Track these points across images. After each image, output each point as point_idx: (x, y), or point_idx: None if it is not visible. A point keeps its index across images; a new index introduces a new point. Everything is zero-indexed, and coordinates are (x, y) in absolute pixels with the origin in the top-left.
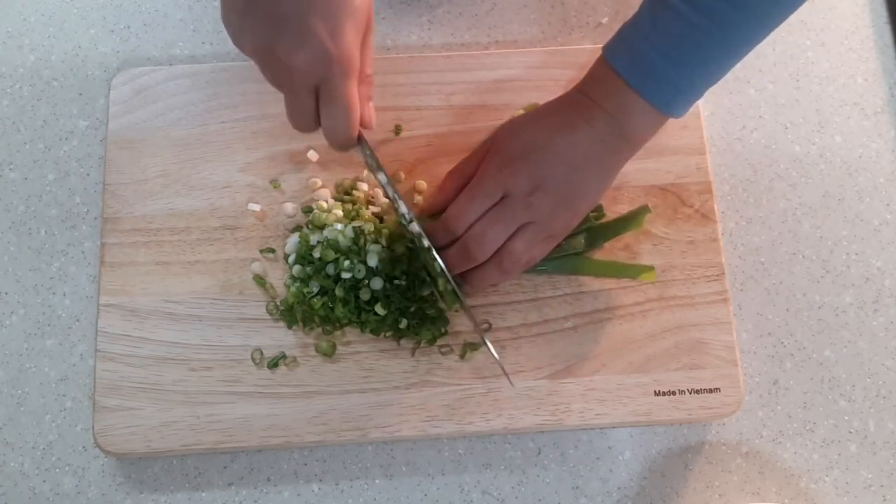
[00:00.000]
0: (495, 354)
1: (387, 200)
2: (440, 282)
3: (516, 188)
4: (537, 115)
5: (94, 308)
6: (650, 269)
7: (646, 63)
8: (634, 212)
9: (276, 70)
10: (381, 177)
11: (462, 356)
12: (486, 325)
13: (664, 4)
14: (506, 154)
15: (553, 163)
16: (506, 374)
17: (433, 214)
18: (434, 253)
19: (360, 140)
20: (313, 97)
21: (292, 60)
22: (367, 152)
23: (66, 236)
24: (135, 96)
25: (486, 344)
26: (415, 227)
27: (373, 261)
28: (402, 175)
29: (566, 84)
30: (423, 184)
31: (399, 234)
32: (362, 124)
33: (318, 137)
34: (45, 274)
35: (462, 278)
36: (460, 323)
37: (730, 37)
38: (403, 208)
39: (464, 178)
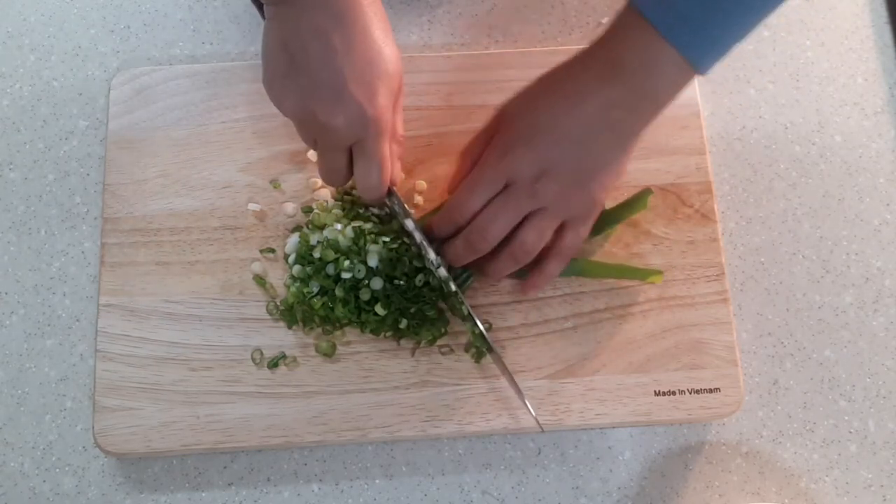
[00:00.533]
0: (529, 408)
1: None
2: (468, 325)
3: (519, 175)
4: (546, 85)
5: (94, 308)
6: (658, 273)
7: (678, 9)
8: (637, 195)
9: (314, 130)
10: (409, 223)
11: (476, 361)
12: (501, 355)
13: None
14: (508, 137)
15: (559, 145)
16: (534, 418)
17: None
18: (461, 297)
19: (390, 192)
20: (347, 155)
21: (331, 122)
22: (396, 203)
23: (66, 236)
24: (135, 96)
25: (520, 397)
26: (442, 272)
27: (373, 261)
28: (423, 182)
29: None
30: (423, 184)
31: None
32: (391, 180)
33: None
34: (45, 274)
35: (478, 269)
36: (460, 323)
37: None
38: (431, 255)
39: (477, 157)
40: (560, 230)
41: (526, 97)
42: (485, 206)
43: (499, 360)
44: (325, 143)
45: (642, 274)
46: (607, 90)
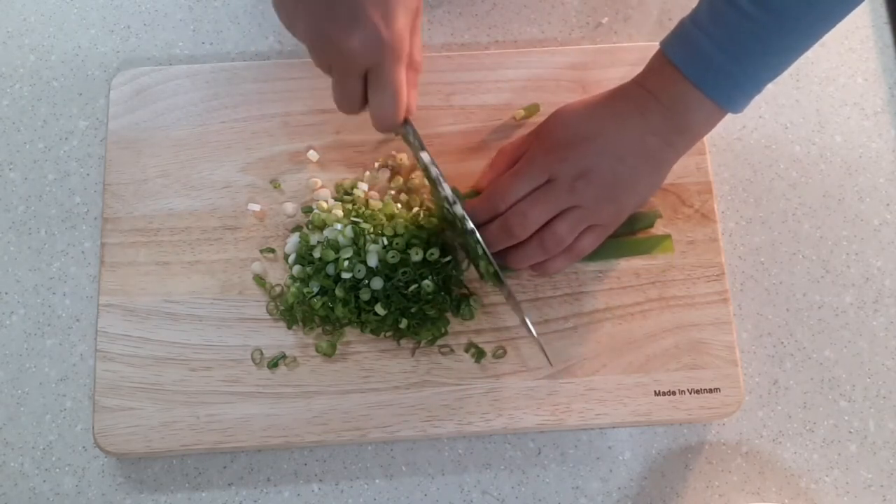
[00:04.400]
0: (534, 332)
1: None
2: (482, 264)
3: (561, 173)
4: (591, 105)
5: (94, 308)
6: (666, 238)
7: (705, 57)
8: (657, 237)
9: (327, 54)
10: (425, 156)
11: (476, 361)
12: (521, 315)
13: None
14: (554, 140)
15: (601, 153)
16: (546, 356)
17: (478, 192)
18: (477, 235)
19: (406, 122)
20: (362, 81)
21: (346, 44)
22: (411, 133)
23: (66, 236)
24: (135, 96)
25: (527, 326)
26: (458, 209)
27: (373, 261)
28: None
29: (567, 84)
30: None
31: (435, 213)
32: (407, 110)
33: (318, 137)
34: (45, 274)
35: (503, 258)
36: (462, 324)
37: (791, 31)
38: (447, 190)
39: (514, 158)
40: (581, 232)
41: (571, 110)
42: (524, 196)
43: (512, 300)
44: (339, 67)
45: (649, 245)
46: (644, 120)
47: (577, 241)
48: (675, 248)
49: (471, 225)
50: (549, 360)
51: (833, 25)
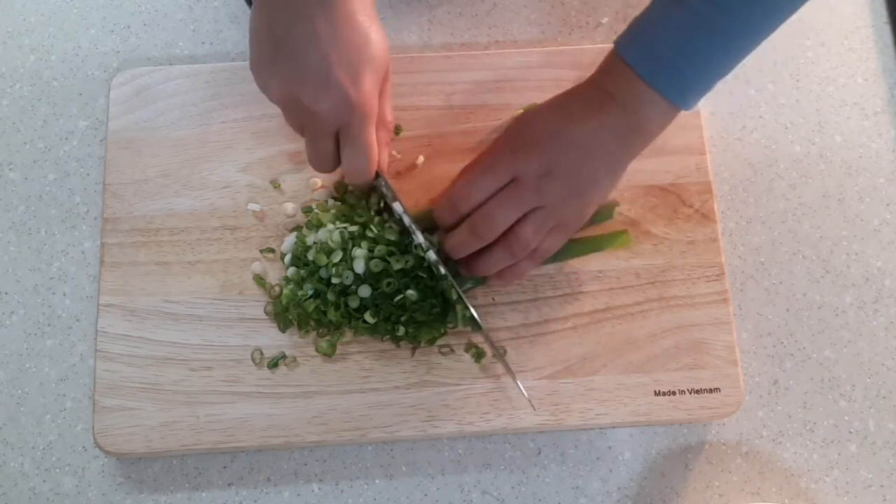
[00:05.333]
0: (521, 388)
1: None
2: (458, 308)
3: (527, 171)
4: (551, 106)
5: (94, 308)
6: (623, 233)
7: (657, 55)
8: (614, 234)
9: (299, 115)
10: (398, 207)
11: (476, 361)
12: (503, 351)
13: None
14: (518, 139)
15: (565, 149)
16: (528, 400)
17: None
18: (451, 280)
19: (378, 177)
20: (334, 141)
21: (316, 107)
22: (384, 185)
23: (66, 236)
24: (135, 96)
25: (508, 371)
26: (431, 255)
27: (359, 266)
28: (422, 158)
29: (566, 84)
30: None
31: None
32: (378, 165)
33: None
34: (45, 274)
35: (468, 266)
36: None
37: (741, 28)
38: (420, 238)
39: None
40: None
41: (532, 112)
42: (489, 198)
43: (489, 340)
44: (311, 128)
45: (606, 241)
46: (602, 117)
47: (541, 243)
48: (672, 248)
49: (444, 270)
50: (530, 402)
51: (782, 22)
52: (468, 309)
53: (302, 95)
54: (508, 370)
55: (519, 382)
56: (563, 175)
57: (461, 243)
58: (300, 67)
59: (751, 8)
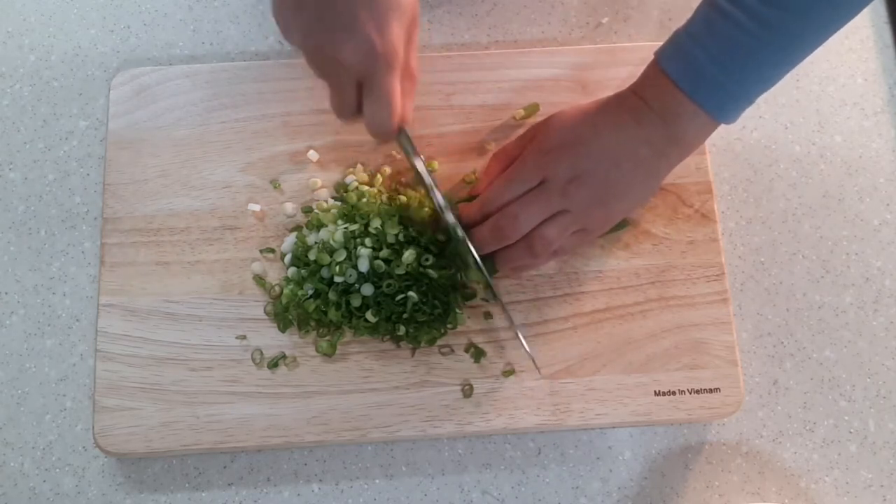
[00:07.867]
0: (527, 347)
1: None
2: (472, 272)
3: (555, 175)
4: (586, 110)
5: (94, 308)
6: (621, 220)
7: (698, 69)
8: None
9: (322, 63)
10: (419, 164)
11: (476, 361)
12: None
13: (719, 10)
14: (549, 142)
15: (595, 157)
16: (536, 366)
17: (472, 197)
18: (469, 244)
19: (400, 131)
20: (357, 89)
21: (340, 54)
22: (406, 141)
23: (66, 236)
24: (135, 96)
25: (518, 337)
26: (449, 216)
27: (363, 265)
28: (436, 163)
29: (566, 84)
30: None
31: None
32: (402, 118)
33: (318, 137)
34: (45, 274)
35: (489, 258)
36: (462, 324)
37: (784, 44)
38: (439, 198)
39: (508, 161)
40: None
41: (567, 114)
42: (517, 198)
43: (503, 310)
44: (334, 76)
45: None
46: (639, 129)
47: (562, 244)
48: (672, 248)
49: (461, 233)
50: (536, 366)
51: (827, 38)
52: (483, 273)
53: (325, 42)
54: (517, 335)
55: (531, 354)
56: (590, 181)
57: (483, 241)
58: (325, 13)
59: (796, 22)
